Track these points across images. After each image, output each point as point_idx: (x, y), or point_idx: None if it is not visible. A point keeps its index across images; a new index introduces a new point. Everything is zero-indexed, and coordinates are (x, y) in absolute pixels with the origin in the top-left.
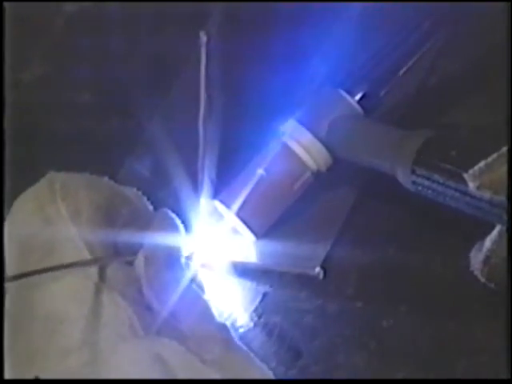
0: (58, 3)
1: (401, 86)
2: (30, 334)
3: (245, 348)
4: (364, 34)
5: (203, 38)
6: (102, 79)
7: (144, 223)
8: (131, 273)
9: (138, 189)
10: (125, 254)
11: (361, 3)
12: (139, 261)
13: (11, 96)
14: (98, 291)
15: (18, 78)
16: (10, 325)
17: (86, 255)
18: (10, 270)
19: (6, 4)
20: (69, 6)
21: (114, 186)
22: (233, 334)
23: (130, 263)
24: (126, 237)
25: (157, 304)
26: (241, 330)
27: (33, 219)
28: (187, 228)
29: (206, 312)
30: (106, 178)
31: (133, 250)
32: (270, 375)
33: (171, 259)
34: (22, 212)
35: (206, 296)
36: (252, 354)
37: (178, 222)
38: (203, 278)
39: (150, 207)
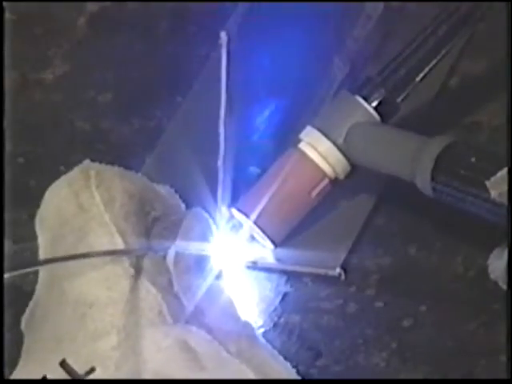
0: (80, 3)
1: (419, 92)
2: (59, 318)
3: (269, 345)
4: (381, 38)
5: (224, 37)
6: (123, 79)
7: (176, 219)
8: (162, 262)
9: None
10: (156, 247)
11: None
12: (170, 256)
13: (33, 95)
14: (128, 277)
15: (40, 77)
16: (40, 309)
17: (119, 242)
18: (42, 255)
19: (25, 4)
20: (90, 6)
21: (147, 181)
22: (257, 332)
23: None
24: (158, 230)
25: (184, 299)
26: (261, 331)
27: (66, 205)
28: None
29: (230, 309)
30: (139, 174)
31: (165, 244)
32: (293, 372)
33: (200, 257)
34: (56, 198)
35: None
36: (276, 352)
37: (210, 221)
38: (224, 279)
39: (183, 205)
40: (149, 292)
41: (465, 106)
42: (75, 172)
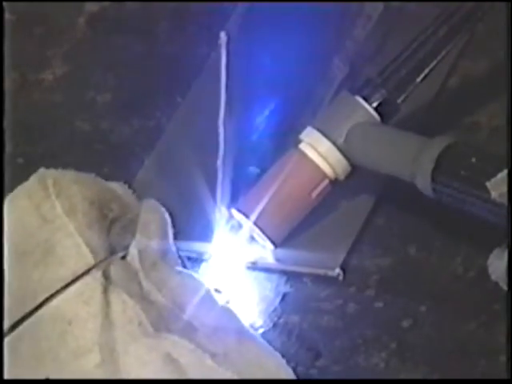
0: (80, 3)
1: (419, 92)
2: (37, 336)
3: (256, 334)
4: (381, 39)
5: (224, 37)
6: (123, 79)
7: (133, 216)
8: (129, 268)
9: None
10: (119, 249)
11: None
12: (133, 255)
13: (33, 95)
14: (104, 290)
15: (40, 77)
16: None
17: (86, 252)
18: (8, 275)
19: (25, 4)
20: (90, 6)
21: (101, 182)
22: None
23: (124, 257)
24: (117, 231)
25: (160, 296)
26: (261, 331)
27: (28, 219)
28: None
29: (207, 297)
30: (92, 175)
31: (125, 244)
32: (283, 363)
33: (164, 248)
34: (16, 212)
35: (224, 295)
36: (264, 341)
37: (163, 209)
38: (223, 280)
39: (137, 199)
40: (126, 304)
41: (465, 106)
42: (33, 182)
